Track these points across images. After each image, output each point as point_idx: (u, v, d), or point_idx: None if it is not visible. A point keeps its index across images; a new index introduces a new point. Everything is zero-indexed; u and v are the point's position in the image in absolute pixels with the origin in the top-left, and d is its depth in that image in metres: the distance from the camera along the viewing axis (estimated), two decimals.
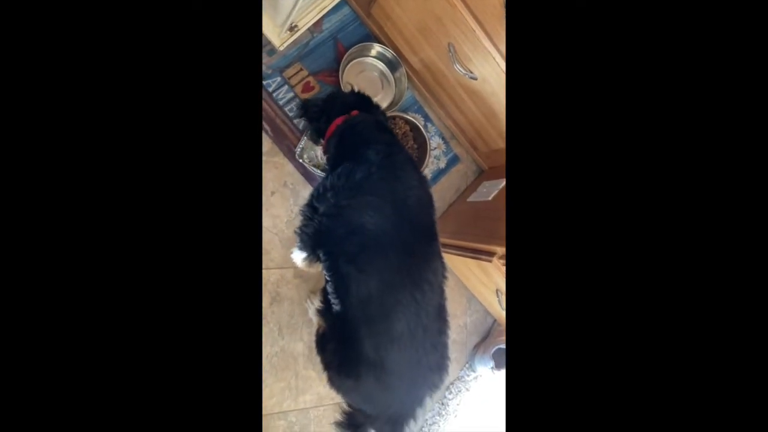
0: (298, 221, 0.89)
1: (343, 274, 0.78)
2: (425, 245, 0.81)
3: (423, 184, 0.86)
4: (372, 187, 0.79)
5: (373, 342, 0.75)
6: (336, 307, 0.80)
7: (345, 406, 0.92)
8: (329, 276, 0.81)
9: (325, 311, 0.86)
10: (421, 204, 0.84)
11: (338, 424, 0.92)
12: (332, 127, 0.95)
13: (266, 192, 1.13)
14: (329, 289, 0.81)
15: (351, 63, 1.18)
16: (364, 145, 0.85)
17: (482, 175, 1.35)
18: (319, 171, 1.13)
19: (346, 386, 0.81)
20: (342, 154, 0.88)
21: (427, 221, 0.85)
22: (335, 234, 0.80)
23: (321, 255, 0.83)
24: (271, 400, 1.12)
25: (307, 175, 1.16)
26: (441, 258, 0.83)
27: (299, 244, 0.89)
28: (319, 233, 0.82)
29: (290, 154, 1.13)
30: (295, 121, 1.15)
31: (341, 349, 0.79)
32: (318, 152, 1.13)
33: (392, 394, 0.78)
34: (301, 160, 1.12)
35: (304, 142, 1.12)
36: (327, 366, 0.85)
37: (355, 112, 0.95)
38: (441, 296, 0.81)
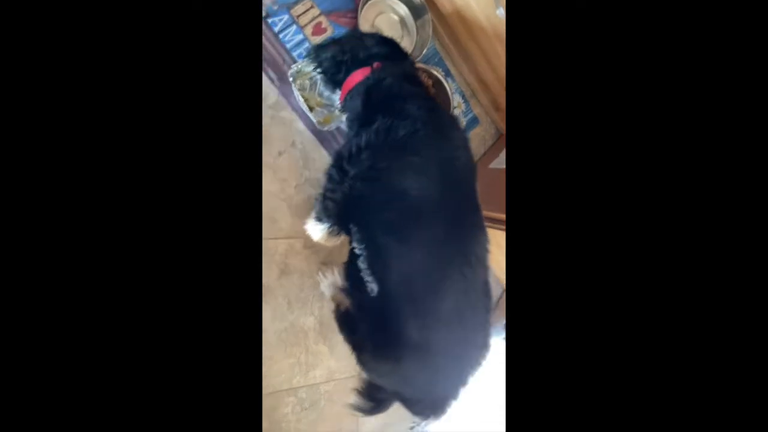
0: (319, 186, 0.77)
1: (380, 246, 0.68)
2: (471, 214, 0.73)
3: (467, 144, 0.76)
4: (416, 146, 0.67)
5: (417, 322, 0.67)
6: (370, 285, 0.70)
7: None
8: (362, 249, 0.71)
9: (351, 289, 0.77)
10: (466, 168, 0.74)
11: (359, 392, 0.85)
12: (351, 80, 0.81)
13: (272, 152, 0.99)
14: (362, 265, 0.71)
15: (369, 2, 1.02)
16: (400, 100, 0.72)
17: (500, 138, 1.27)
18: (304, 105, 0.95)
19: (383, 370, 0.74)
20: (373, 111, 0.74)
21: (471, 188, 0.76)
22: (371, 201, 0.69)
23: (352, 225, 0.72)
24: (279, 377, 1.04)
25: (318, 134, 1.02)
26: (485, 229, 0.75)
27: (319, 213, 0.78)
28: (350, 200, 0.71)
29: (300, 109, 0.99)
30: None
31: (377, 330, 0.71)
32: (318, 87, 0.94)
33: (437, 376, 0.72)
34: (292, 81, 0.93)
35: (302, 64, 0.92)
36: (359, 348, 0.77)
37: (377, 64, 0.81)
38: (486, 271, 0.74)
